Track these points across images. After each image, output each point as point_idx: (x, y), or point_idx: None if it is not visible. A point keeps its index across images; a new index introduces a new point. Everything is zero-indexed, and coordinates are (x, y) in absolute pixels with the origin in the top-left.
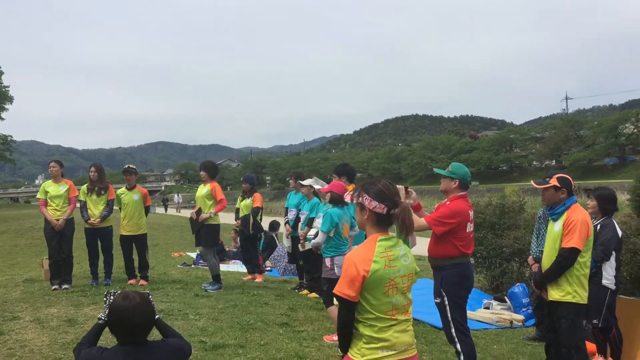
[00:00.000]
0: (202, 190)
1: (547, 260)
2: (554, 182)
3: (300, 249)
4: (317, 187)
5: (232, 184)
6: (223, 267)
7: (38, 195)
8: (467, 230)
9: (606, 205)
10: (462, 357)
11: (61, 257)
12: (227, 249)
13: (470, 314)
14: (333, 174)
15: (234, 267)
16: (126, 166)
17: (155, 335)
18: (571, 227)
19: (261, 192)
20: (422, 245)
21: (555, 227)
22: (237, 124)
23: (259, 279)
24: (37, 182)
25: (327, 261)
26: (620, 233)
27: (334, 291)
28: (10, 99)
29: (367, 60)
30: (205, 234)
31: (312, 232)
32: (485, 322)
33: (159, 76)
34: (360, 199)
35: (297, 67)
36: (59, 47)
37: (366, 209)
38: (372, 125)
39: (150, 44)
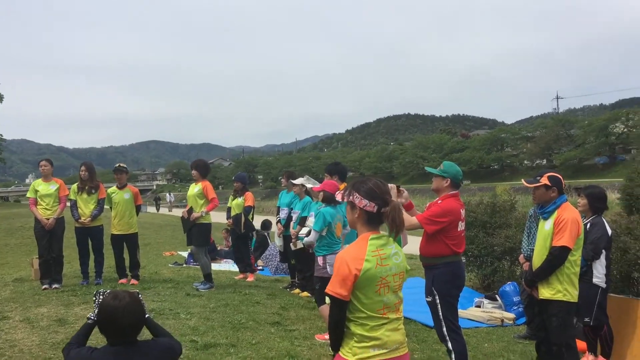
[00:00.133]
0: (194, 189)
1: (538, 259)
2: (544, 180)
3: (292, 247)
4: (309, 185)
5: (223, 183)
6: (214, 266)
7: (28, 194)
8: (459, 229)
9: (596, 203)
10: (453, 356)
11: (51, 256)
12: (218, 248)
13: (461, 312)
14: (325, 172)
15: (226, 266)
16: (117, 165)
17: (145, 334)
18: (562, 225)
19: (253, 191)
20: (413, 244)
21: (546, 226)
22: (229, 123)
23: (250, 278)
24: (27, 181)
25: (320, 260)
26: (610, 231)
27: (326, 290)
28: (0, 98)
29: (367, 60)
30: (196, 233)
31: (304, 230)
32: (476, 321)
33: (158, 76)
34: (350, 197)
35: (296, 67)
36: (59, 47)
37: (357, 207)
38: (365, 124)
39: (150, 44)
